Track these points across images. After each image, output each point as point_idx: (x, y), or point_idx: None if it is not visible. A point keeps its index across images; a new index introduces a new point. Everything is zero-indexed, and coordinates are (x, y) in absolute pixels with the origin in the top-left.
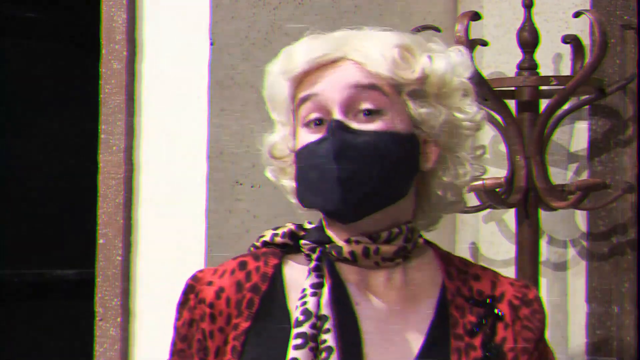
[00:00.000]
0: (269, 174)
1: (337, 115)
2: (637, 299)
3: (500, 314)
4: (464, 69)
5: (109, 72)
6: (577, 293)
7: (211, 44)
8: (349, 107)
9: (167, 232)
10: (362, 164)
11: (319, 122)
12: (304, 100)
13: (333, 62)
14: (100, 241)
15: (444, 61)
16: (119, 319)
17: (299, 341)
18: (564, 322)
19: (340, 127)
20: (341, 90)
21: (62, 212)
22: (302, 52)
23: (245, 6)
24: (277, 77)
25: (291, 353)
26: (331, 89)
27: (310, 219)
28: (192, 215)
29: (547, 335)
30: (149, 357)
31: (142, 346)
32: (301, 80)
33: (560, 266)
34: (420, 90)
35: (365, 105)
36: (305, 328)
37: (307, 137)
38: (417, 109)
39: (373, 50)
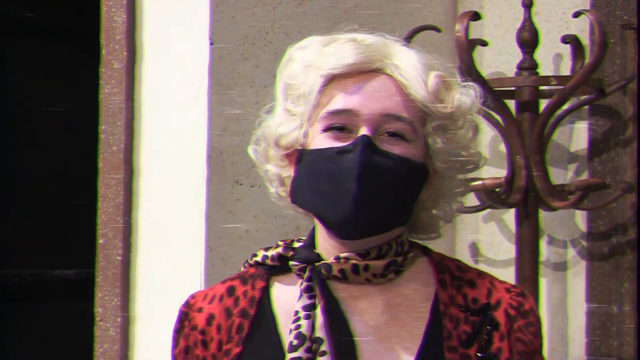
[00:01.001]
0: (251, 153)
1: (364, 131)
2: (637, 299)
3: (495, 323)
4: (478, 108)
5: (109, 72)
6: (577, 293)
7: (211, 44)
8: (377, 128)
9: (167, 232)
10: (382, 186)
11: (340, 129)
12: (334, 113)
13: (370, 71)
14: (100, 241)
15: (469, 99)
16: (119, 319)
17: None
18: (564, 322)
19: (369, 145)
20: (375, 117)
21: (62, 212)
22: (342, 54)
23: (245, 6)
24: (306, 68)
25: None
26: (364, 112)
27: (305, 220)
28: (192, 215)
29: (547, 334)
30: (149, 358)
31: (142, 346)
32: (334, 79)
33: (560, 266)
34: (444, 124)
35: (392, 128)
36: (300, 353)
37: (326, 140)
38: (436, 143)
39: (414, 73)
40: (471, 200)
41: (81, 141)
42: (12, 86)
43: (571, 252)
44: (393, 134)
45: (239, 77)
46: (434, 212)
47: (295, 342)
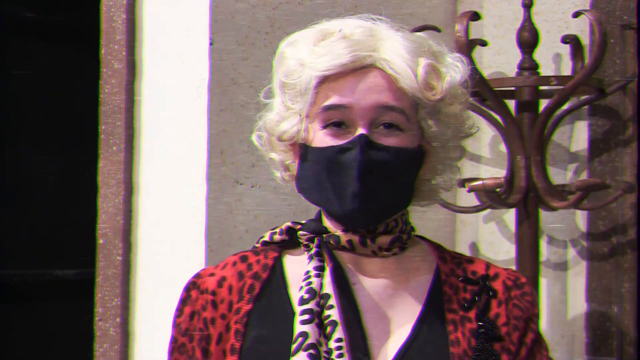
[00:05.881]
0: (255, 141)
1: (362, 128)
2: (637, 299)
3: (493, 292)
4: (466, 79)
5: (109, 72)
6: (577, 293)
7: (211, 44)
8: (373, 121)
9: (167, 232)
10: (382, 179)
11: (338, 125)
12: (330, 107)
13: (362, 67)
14: (100, 241)
15: (458, 76)
16: (118, 319)
17: (306, 316)
18: (564, 322)
19: (367, 143)
20: (370, 109)
21: (62, 212)
22: (334, 54)
23: (245, 6)
24: (299, 66)
25: (299, 327)
26: (360, 106)
27: (306, 218)
28: (192, 215)
29: (547, 334)
30: (149, 357)
31: (142, 346)
32: (328, 77)
33: (560, 266)
34: (436, 107)
35: (387, 120)
36: (311, 305)
37: (326, 138)
38: (430, 127)
39: (404, 66)
40: (471, 200)
41: (81, 142)
42: (12, 86)
43: (571, 252)
44: (388, 126)
45: (239, 77)
46: (434, 182)
47: (306, 296)
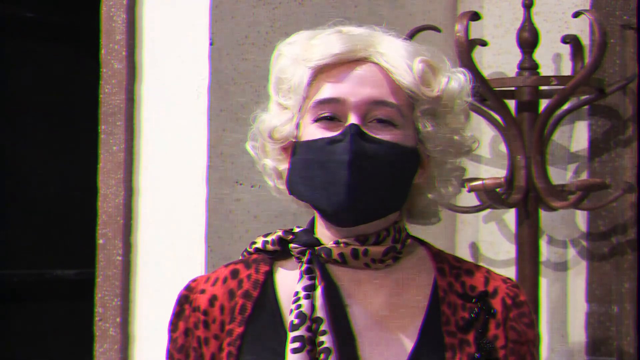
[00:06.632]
0: (249, 149)
1: (353, 119)
2: (637, 299)
3: (492, 310)
4: (468, 92)
5: (109, 72)
6: (577, 293)
7: (211, 44)
8: (365, 115)
9: (167, 232)
10: (373, 172)
11: (330, 118)
12: (322, 102)
13: (357, 60)
14: (100, 241)
15: (457, 83)
16: (118, 319)
17: (296, 344)
18: (564, 322)
19: (358, 133)
20: (362, 104)
21: (62, 212)
22: (328, 44)
23: (245, 6)
24: (294, 61)
25: (290, 357)
26: (352, 99)
27: (305, 219)
28: (192, 215)
29: (547, 334)
30: (149, 357)
31: (142, 346)
32: (322, 70)
33: (560, 266)
34: (432, 108)
35: (380, 116)
36: (301, 331)
37: (317, 131)
38: (425, 127)
39: (399, 60)
40: (471, 200)
41: (81, 142)
42: (12, 86)
43: (571, 252)
44: (381, 121)
45: (239, 77)
46: (430, 196)
47: (296, 321)
